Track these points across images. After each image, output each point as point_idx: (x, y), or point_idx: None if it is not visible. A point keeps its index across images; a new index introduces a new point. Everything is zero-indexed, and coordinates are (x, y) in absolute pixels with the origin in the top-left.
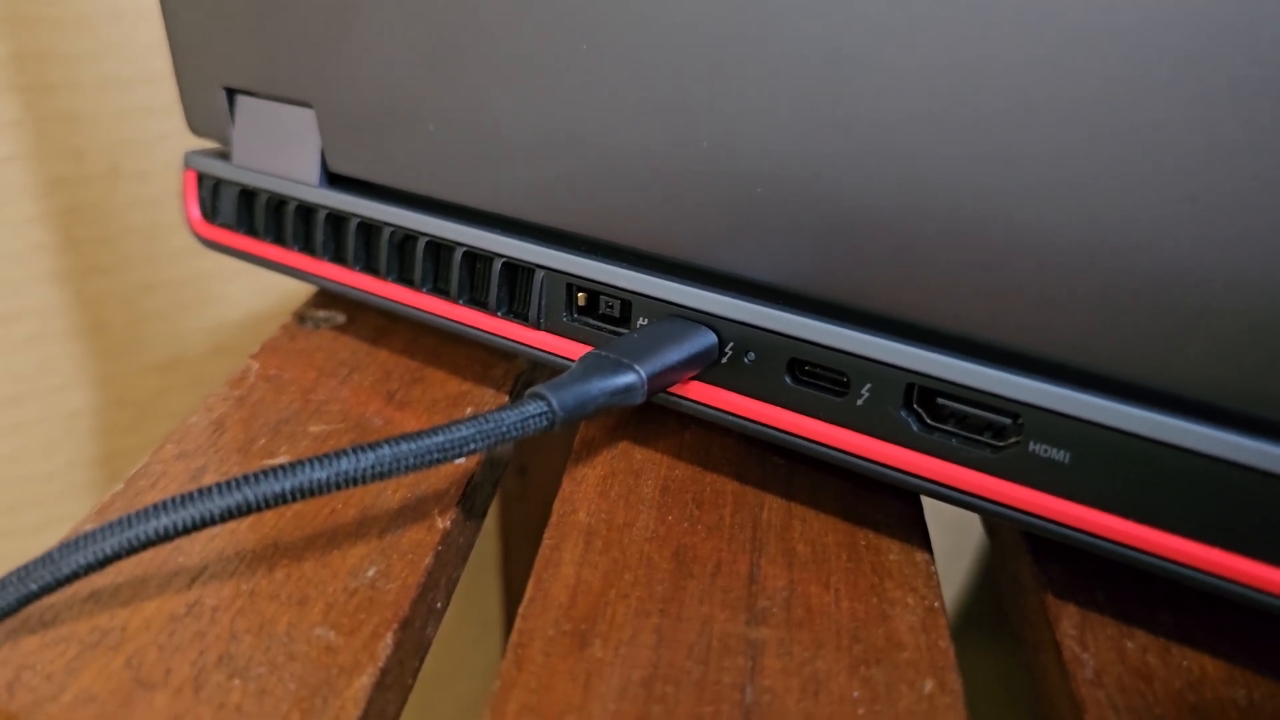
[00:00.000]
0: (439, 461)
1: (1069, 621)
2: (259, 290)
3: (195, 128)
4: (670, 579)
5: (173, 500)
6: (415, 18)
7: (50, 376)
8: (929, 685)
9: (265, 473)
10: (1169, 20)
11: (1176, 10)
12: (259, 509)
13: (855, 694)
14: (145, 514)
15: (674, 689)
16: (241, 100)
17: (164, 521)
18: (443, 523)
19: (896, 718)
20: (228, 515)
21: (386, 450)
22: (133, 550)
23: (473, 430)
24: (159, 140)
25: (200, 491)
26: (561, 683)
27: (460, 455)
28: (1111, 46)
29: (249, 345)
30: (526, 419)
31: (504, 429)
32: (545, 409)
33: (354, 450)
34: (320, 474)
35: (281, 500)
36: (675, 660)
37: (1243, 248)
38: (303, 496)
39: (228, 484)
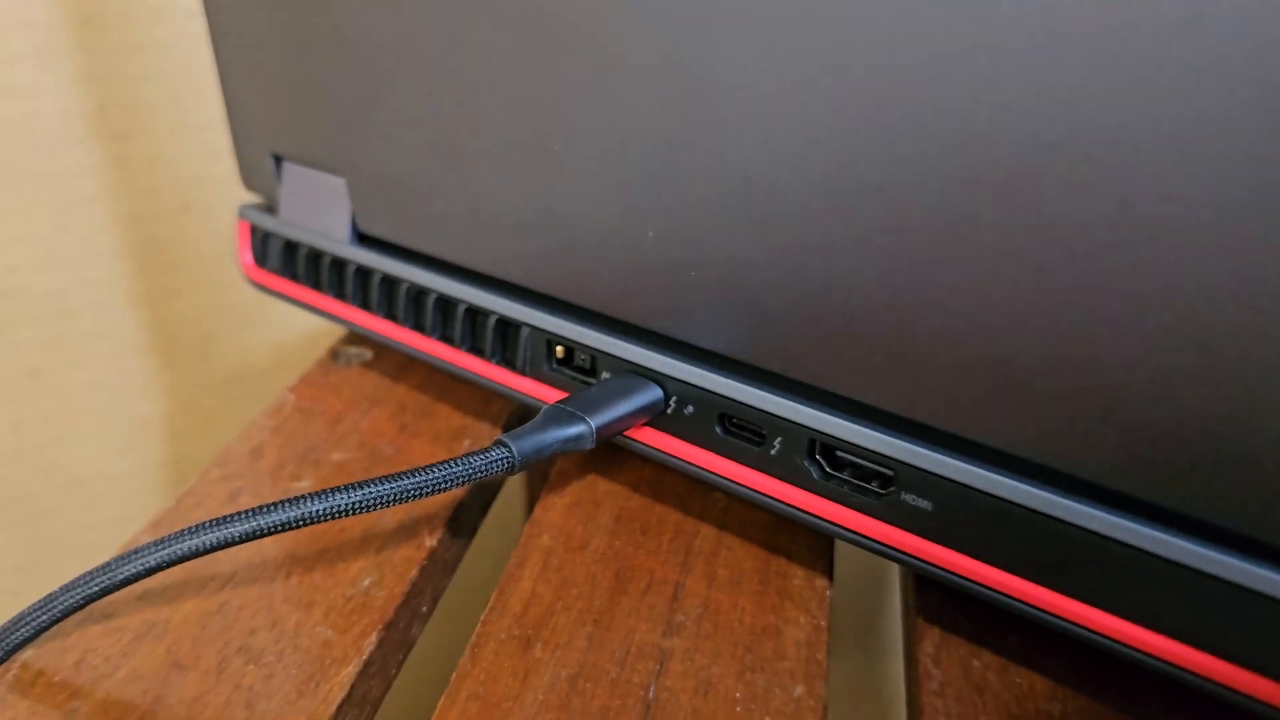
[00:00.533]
0: (416, 498)
1: (929, 641)
2: (312, 315)
3: (248, 184)
4: (608, 595)
5: (204, 524)
6: (425, 111)
7: (127, 387)
8: (799, 690)
9: (274, 505)
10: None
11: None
12: (269, 534)
13: (737, 694)
14: (182, 535)
15: (593, 685)
16: (286, 165)
17: (196, 541)
18: (430, 541)
19: (766, 714)
20: (245, 538)
21: (372, 489)
22: (173, 563)
23: (444, 473)
24: (224, 179)
25: (225, 518)
26: (505, 676)
27: (434, 493)
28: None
29: (306, 362)
30: (491, 463)
31: (471, 471)
32: (506, 454)
33: (347, 488)
34: (317, 507)
35: (286, 527)
36: (599, 662)
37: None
38: (304, 524)
39: (244, 513)
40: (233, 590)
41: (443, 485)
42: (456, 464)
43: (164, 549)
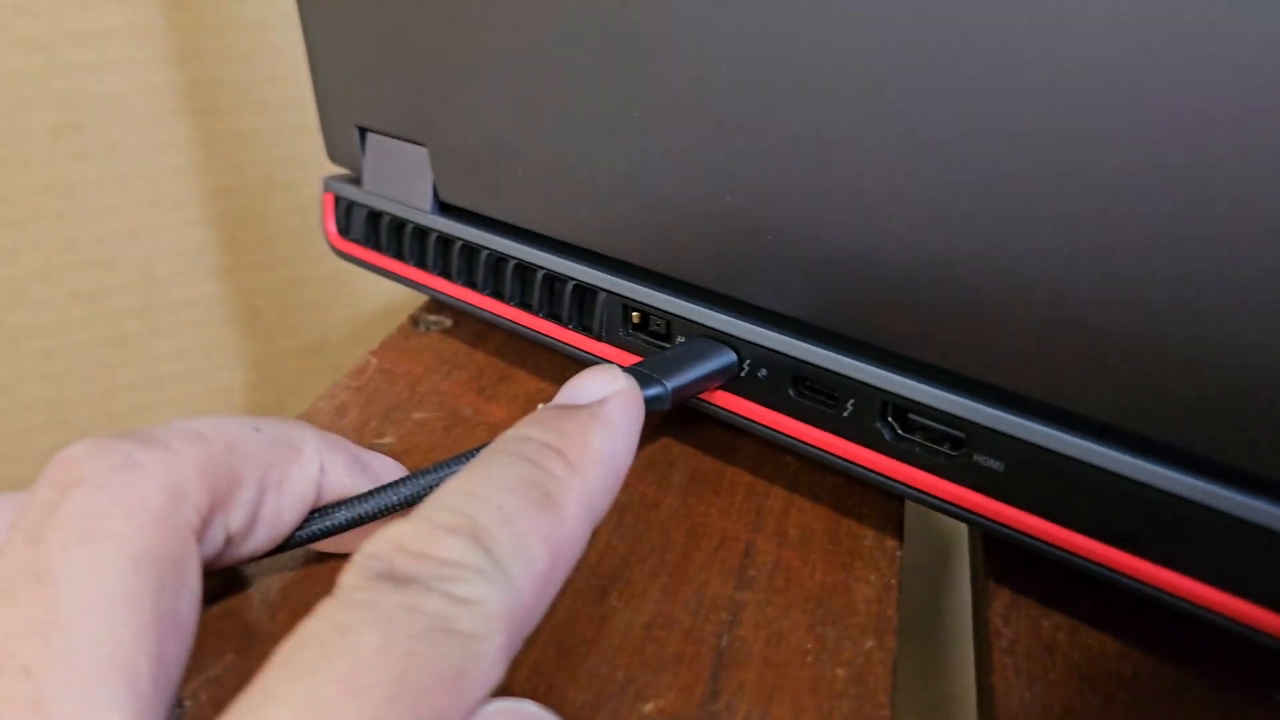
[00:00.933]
0: None
1: (1000, 601)
2: (394, 288)
3: (333, 157)
4: (681, 550)
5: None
6: (507, 82)
7: (210, 357)
8: (870, 643)
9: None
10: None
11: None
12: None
13: (809, 645)
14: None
15: (666, 633)
16: (371, 137)
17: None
18: None
19: (837, 664)
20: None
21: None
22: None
23: None
24: (308, 155)
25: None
26: (580, 623)
27: None
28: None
29: (380, 335)
30: None
31: None
32: None
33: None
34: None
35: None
36: (672, 612)
37: (1150, 300)
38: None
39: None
40: None
41: None
42: None
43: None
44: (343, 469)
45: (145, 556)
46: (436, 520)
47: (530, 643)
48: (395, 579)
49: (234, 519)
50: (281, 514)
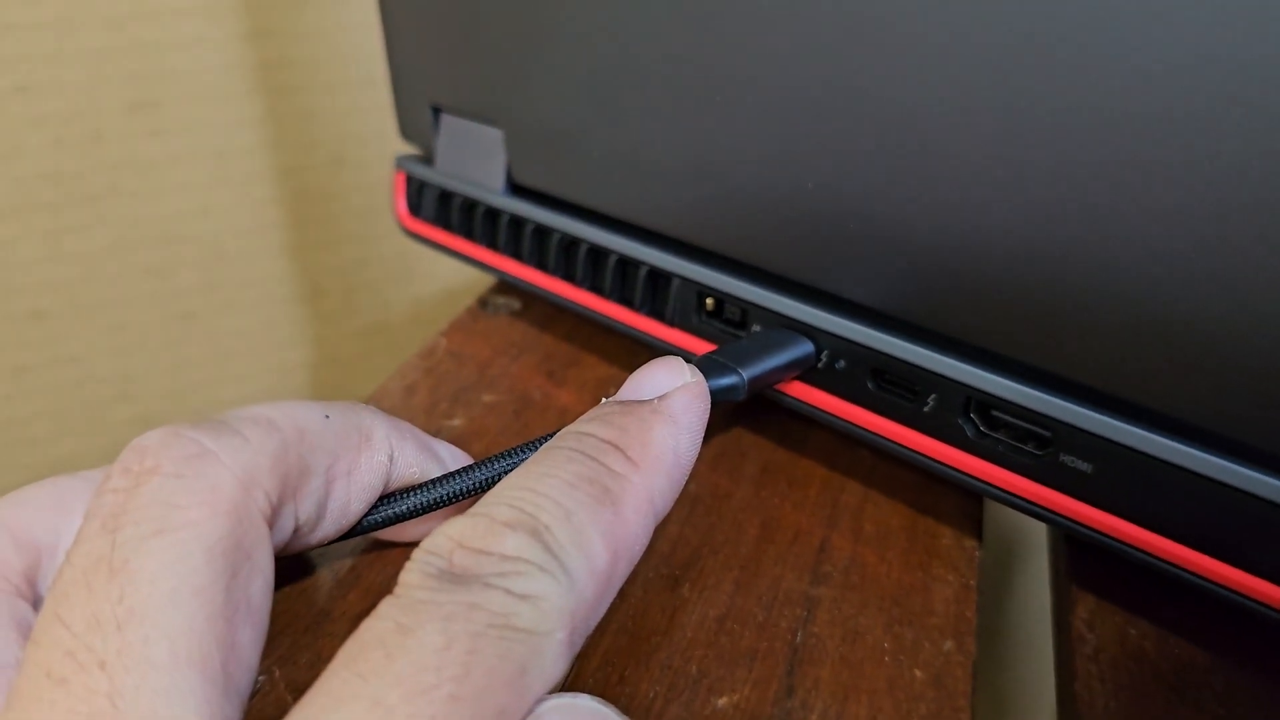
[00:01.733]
0: None
1: (1084, 606)
2: (456, 270)
3: (406, 134)
4: (754, 543)
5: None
6: (583, 63)
7: (274, 334)
8: (948, 644)
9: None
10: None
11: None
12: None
13: (886, 645)
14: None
15: (740, 626)
16: (445, 117)
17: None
18: None
19: (915, 665)
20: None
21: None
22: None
23: None
24: (376, 135)
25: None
26: (653, 612)
27: None
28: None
29: (444, 317)
30: None
31: None
32: None
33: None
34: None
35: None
36: (746, 606)
37: (1252, 300)
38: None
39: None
40: None
41: None
42: None
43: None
44: (412, 456)
45: (219, 546)
46: (496, 516)
47: (602, 631)
48: (455, 576)
49: (304, 507)
50: (350, 502)
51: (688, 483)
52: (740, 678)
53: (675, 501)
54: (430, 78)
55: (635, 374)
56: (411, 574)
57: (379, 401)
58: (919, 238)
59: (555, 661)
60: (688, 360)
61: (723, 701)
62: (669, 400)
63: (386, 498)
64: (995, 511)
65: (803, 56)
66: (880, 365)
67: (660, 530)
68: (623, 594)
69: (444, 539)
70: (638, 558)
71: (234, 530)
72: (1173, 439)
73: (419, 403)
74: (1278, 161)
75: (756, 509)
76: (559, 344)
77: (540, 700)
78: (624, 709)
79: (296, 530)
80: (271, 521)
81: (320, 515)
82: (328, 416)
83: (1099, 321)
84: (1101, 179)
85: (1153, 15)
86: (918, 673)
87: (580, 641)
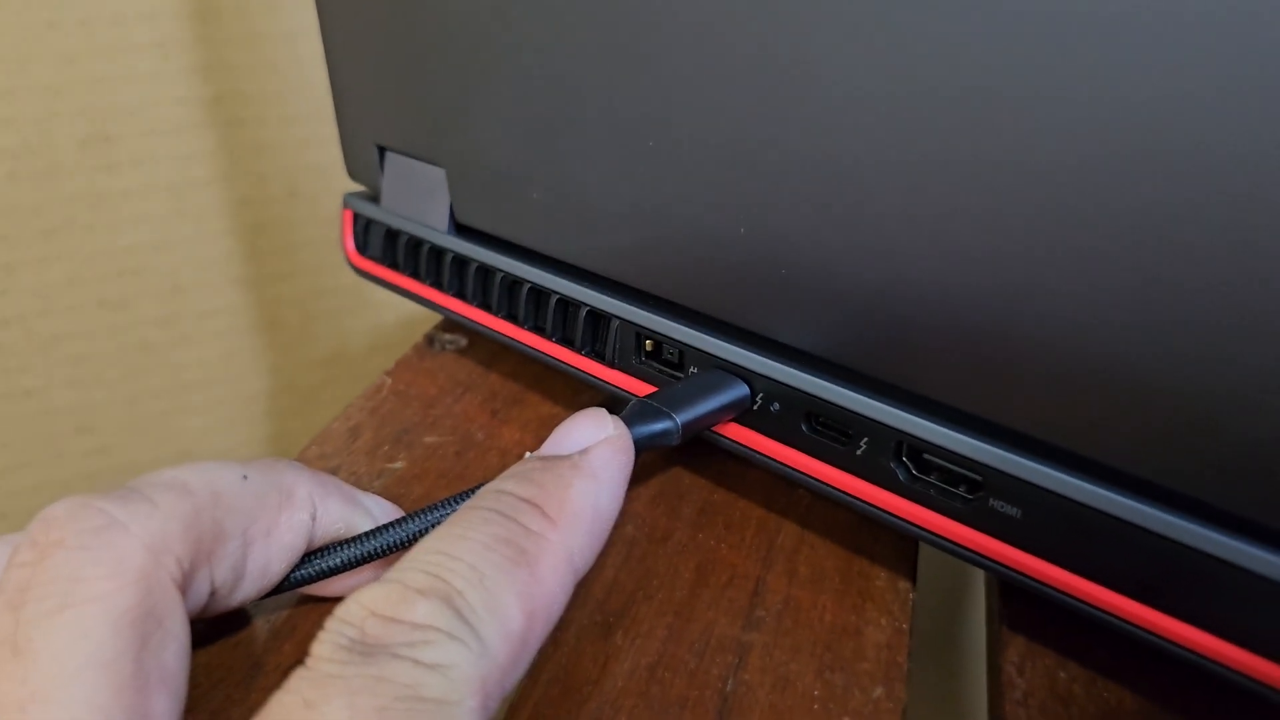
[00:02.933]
0: None
1: (1014, 649)
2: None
3: (352, 174)
4: (689, 586)
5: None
6: (524, 107)
7: (233, 365)
8: (878, 691)
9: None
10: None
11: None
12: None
13: (816, 692)
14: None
15: (671, 675)
16: (390, 156)
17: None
18: None
19: (844, 713)
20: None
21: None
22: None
23: None
24: (330, 167)
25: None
26: (585, 661)
27: None
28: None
29: (399, 345)
30: None
31: None
32: None
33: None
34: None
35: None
36: (678, 653)
37: (1172, 350)
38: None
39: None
40: None
41: None
42: None
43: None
44: (336, 512)
45: (126, 617)
46: (409, 582)
47: (534, 681)
48: (366, 647)
49: (219, 570)
50: (270, 563)
51: (624, 525)
52: None
53: (599, 555)
54: (374, 118)
55: (558, 428)
56: (323, 645)
57: (322, 444)
58: (848, 284)
59: None
60: (619, 410)
61: None
62: (589, 455)
63: (310, 555)
64: (939, 553)
65: (733, 108)
66: (813, 409)
67: (595, 574)
68: (556, 642)
69: (357, 607)
70: (557, 616)
71: (143, 600)
72: (1098, 485)
73: (362, 445)
74: (1192, 210)
75: (693, 551)
76: (504, 382)
77: None
78: None
79: (213, 593)
80: (184, 587)
81: (239, 577)
82: (246, 477)
83: (1025, 369)
84: (1021, 231)
85: (1067, 69)
86: None
87: (494, 705)
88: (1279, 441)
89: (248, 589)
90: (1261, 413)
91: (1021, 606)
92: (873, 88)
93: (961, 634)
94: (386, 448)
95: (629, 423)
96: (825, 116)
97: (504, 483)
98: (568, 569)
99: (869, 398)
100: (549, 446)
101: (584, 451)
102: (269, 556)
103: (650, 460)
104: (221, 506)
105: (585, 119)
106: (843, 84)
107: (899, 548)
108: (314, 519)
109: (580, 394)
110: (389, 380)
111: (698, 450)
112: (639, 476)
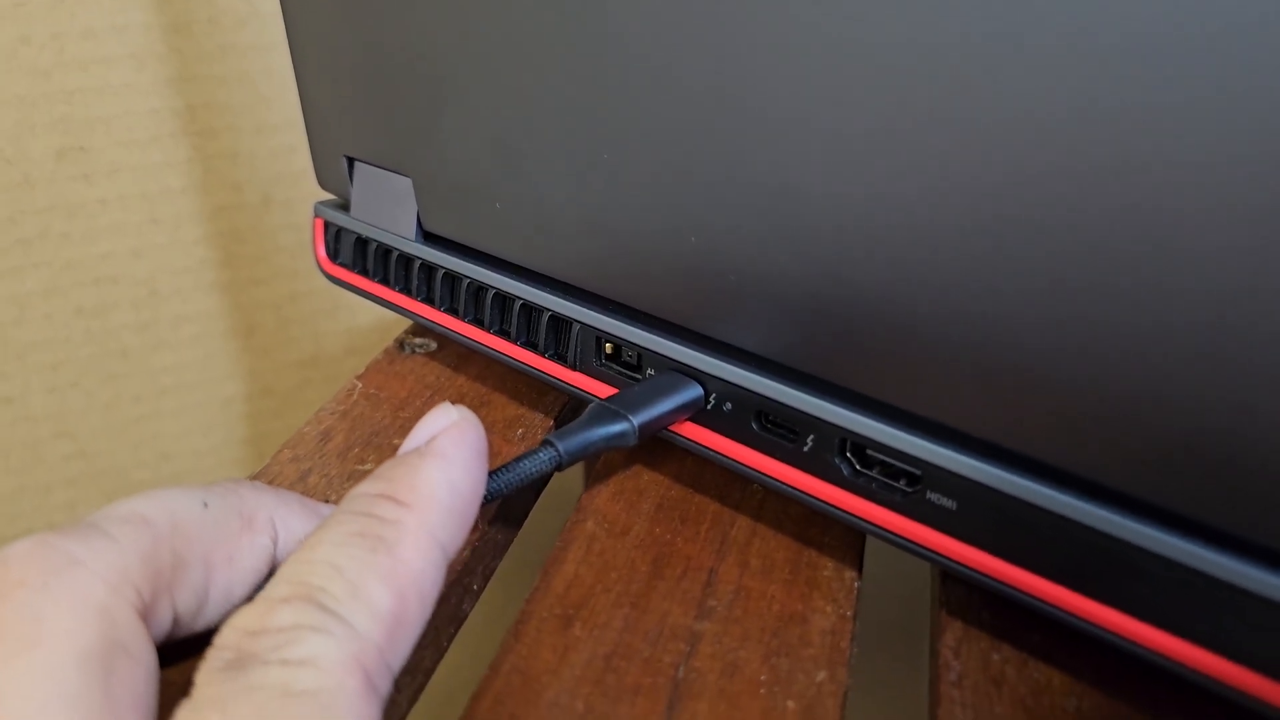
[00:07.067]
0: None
1: (951, 634)
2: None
3: (323, 184)
4: (646, 579)
5: None
6: (486, 118)
7: (211, 369)
8: (821, 675)
9: None
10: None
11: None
12: None
13: (762, 677)
14: None
15: (626, 663)
16: (359, 166)
17: None
18: (482, 525)
19: (789, 696)
20: None
21: None
22: None
23: (501, 480)
24: (303, 174)
25: None
26: (545, 652)
27: (492, 501)
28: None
29: (374, 347)
30: (539, 463)
31: (523, 473)
32: (554, 454)
33: None
34: None
35: None
36: (633, 642)
37: (1103, 346)
38: None
39: None
40: None
41: (500, 491)
42: (508, 469)
43: None
44: (299, 530)
45: (90, 651)
46: (273, 595)
47: (494, 670)
48: (239, 664)
49: (182, 598)
50: (234, 586)
51: (585, 521)
52: (623, 714)
53: (572, 541)
54: (343, 130)
55: (410, 431)
56: (200, 672)
57: (295, 447)
58: (791, 290)
59: (355, 708)
60: (587, 401)
61: None
62: (436, 440)
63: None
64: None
65: (679, 119)
66: (763, 408)
67: (556, 569)
68: (518, 634)
69: (229, 630)
70: (433, 593)
71: (106, 633)
72: (1028, 478)
73: (333, 448)
74: (1112, 219)
75: (650, 545)
76: (471, 384)
77: None
78: None
79: (176, 620)
80: (147, 616)
81: (202, 603)
82: (206, 505)
83: (958, 365)
84: (957, 228)
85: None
86: (790, 703)
87: (385, 683)
88: (1190, 434)
89: (211, 614)
90: (1177, 405)
91: (960, 593)
92: (807, 112)
93: (913, 622)
94: (357, 450)
95: (588, 425)
96: (765, 137)
97: (360, 486)
98: (431, 545)
99: (815, 397)
100: (403, 448)
101: (431, 439)
102: (231, 581)
103: (611, 459)
104: (181, 536)
105: (543, 133)
106: (782, 107)
107: (846, 539)
108: (275, 541)
109: (545, 395)
110: (360, 384)
111: (656, 448)
112: (600, 474)
